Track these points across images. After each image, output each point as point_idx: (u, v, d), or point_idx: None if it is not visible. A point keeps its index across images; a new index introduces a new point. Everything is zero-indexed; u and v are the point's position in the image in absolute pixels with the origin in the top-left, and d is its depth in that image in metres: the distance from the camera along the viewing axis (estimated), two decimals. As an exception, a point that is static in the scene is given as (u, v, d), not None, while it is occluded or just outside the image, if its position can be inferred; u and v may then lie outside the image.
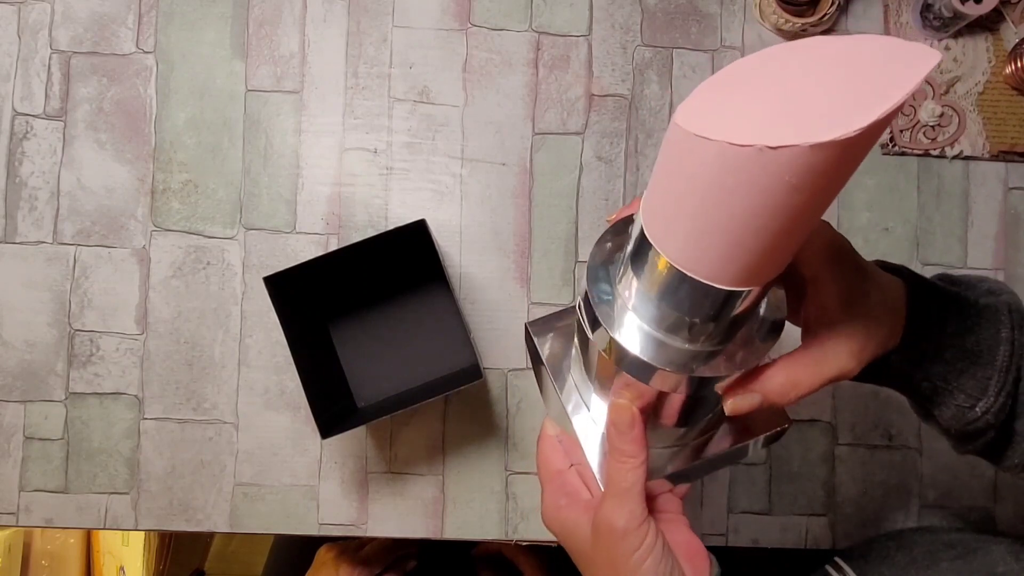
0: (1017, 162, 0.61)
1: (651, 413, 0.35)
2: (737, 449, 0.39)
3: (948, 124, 0.60)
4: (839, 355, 0.33)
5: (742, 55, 0.61)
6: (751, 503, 0.59)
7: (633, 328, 0.31)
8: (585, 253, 0.60)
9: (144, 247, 0.59)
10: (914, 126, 0.60)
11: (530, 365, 0.59)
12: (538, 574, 0.71)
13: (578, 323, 0.36)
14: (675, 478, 0.39)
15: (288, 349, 0.49)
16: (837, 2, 0.58)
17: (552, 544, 0.60)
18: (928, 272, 0.60)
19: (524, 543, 0.60)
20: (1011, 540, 0.46)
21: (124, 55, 0.59)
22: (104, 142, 0.59)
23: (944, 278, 0.41)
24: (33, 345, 0.58)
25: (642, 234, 0.28)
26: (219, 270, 0.59)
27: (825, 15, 0.58)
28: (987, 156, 0.60)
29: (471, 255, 0.59)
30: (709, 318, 0.29)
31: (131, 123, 0.59)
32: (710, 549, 0.38)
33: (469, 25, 0.60)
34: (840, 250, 0.34)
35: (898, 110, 0.21)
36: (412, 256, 0.55)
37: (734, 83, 0.25)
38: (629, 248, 0.30)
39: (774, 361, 0.33)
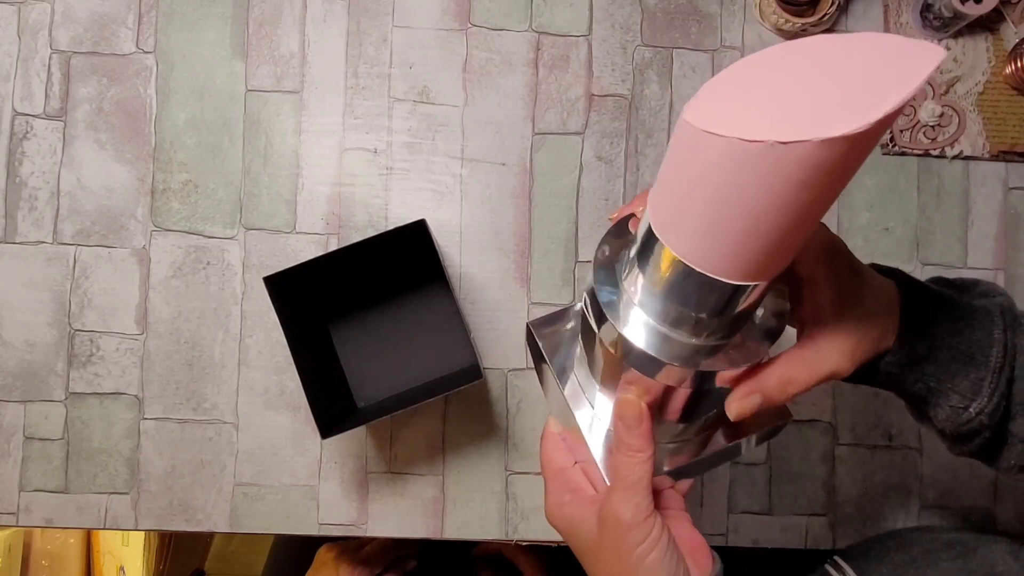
0: (1017, 162, 0.61)
1: (655, 409, 0.35)
2: (736, 445, 0.39)
3: (948, 124, 0.60)
4: (833, 353, 0.34)
5: (742, 55, 0.61)
6: (751, 503, 0.59)
7: (639, 323, 0.31)
8: (585, 253, 0.60)
9: (144, 247, 0.59)
10: (914, 126, 0.60)
11: (531, 364, 0.59)
12: (538, 574, 0.71)
13: (582, 320, 0.36)
14: (676, 474, 0.39)
15: (288, 349, 0.49)
16: (837, 2, 0.58)
17: (552, 544, 0.60)
18: (928, 272, 0.60)
19: (524, 543, 0.60)
20: (1010, 540, 0.46)
21: (124, 55, 0.59)
22: (104, 142, 0.59)
23: (939, 281, 0.41)
24: (33, 345, 0.58)
25: (650, 230, 0.28)
26: (219, 270, 0.59)
27: (825, 15, 0.58)
28: (987, 156, 0.60)
29: (471, 255, 0.59)
30: (715, 313, 0.29)
31: (131, 123, 0.59)
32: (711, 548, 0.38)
33: (469, 25, 0.60)
34: (835, 251, 0.35)
35: (905, 105, 0.21)
36: (412, 256, 0.55)
37: (742, 81, 0.25)
38: (636, 244, 0.31)
39: (771, 360, 0.34)
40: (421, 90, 0.60)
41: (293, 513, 0.58)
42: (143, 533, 1.18)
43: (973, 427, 0.36)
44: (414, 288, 0.58)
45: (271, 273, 0.48)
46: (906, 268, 0.60)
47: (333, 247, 0.59)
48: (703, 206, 0.25)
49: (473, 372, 0.52)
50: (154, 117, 0.59)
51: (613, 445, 0.36)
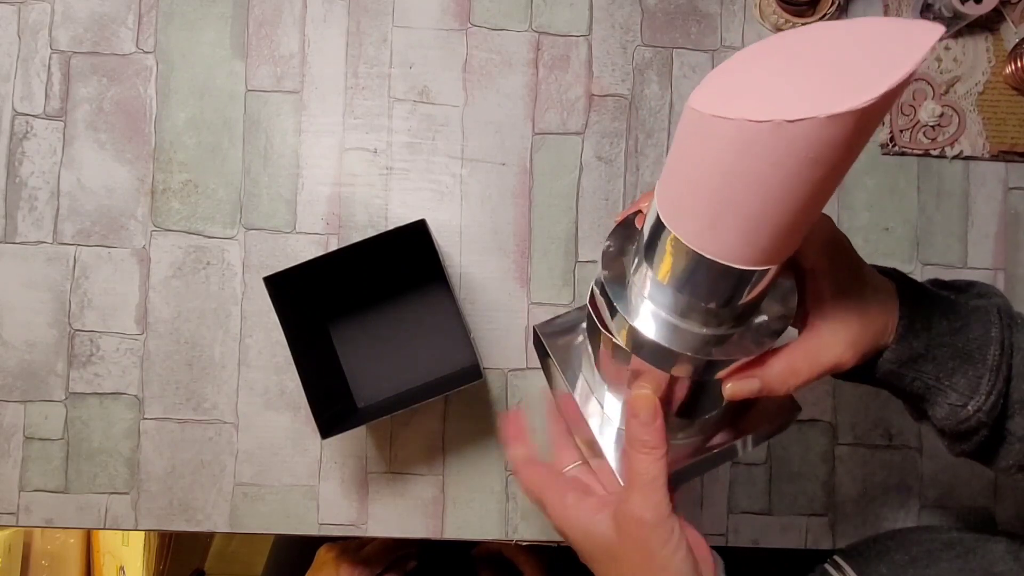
0: (1017, 162, 0.61)
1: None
2: (732, 446, 0.39)
3: (948, 124, 0.60)
4: (836, 345, 0.34)
5: (742, 55, 0.60)
6: (751, 503, 0.59)
7: (649, 315, 0.32)
8: (585, 253, 0.60)
9: (144, 247, 0.59)
10: (914, 126, 0.60)
11: (531, 364, 0.59)
12: (538, 574, 0.71)
13: (589, 320, 0.36)
14: (676, 476, 0.39)
15: (288, 349, 0.49)
16: (837, 2, 0.58)
17: (552, 544, 0.60)
18: (928, 272, 0.60)
19: (524, 543, 0.60)
20: (1010, 540, 0.46)
21: (124, 55, 0.59)
22: (104, 142, 0.59)
23: (935, 283, 0.42)
24: (33, 345, 0.58)
25: (658, 222, 0.28)
26: (219, 270, 0.59)
27: (825, 15, 0.58)
28: (987, 156, 0.60)
29: (471, 255, 0.59)
30: (724, 301, 0.29)
31: (131, 123, 0.59)
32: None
33: (469, 25, 0.60)
34: (838, 245, 0.35)
35: (909, 79, 0.21)
36: (412, 256, 0.55)
37: (746, 68, 0.25)
38: (644, 237, 0.31)
39: (774, 351, 0.34)
40: (421, 90, 0.60)
41: (293, 513, 0.58)
42: (143, 533, 1.18)
43: (971, 425, 0.37)
44: (414, 288, 0.58)
45: (271, 273, 0.48)
46: (906, 268, 0.60)
47: (333, 247, 0.59)
48: (712, 192, 0.25)
49: (473, 372, 0.52)
50: (154, 117, 0.59)
51: (626, 444, 0.36)
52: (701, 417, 0.38)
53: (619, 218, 0.37)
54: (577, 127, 0.60)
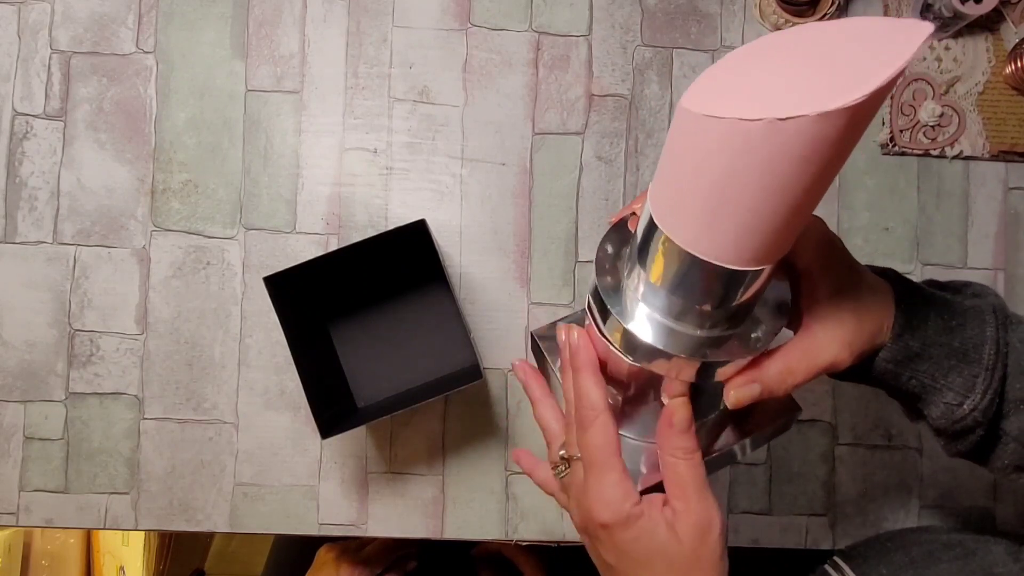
0: (1017, 162, 0.61)
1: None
2: (731, 451, 0.39)
3: (948, 124, 0.60)
4: (831, 344, 0.34)
5: (742, 55, 0.60)
6: (751, 503, 0.59)
7: (643, 318, 0.32)
8: (585, 253, 0.60)
9: (144, 247, 0.59)
10: (914, 126, 0.60)
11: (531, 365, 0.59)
12: (538, 574, 0.71)
13: (587, 323, 0.36)
14: None
15: (288, 349, 0.49)
16: (837, 2, 0.58)
17: (552, 544, 0.60)
18: (928, 272, 0.60)
19: (524, 543, 0.60)
20: (1010, 541, 0.46)
21: (124, 55, 0.59)
22: (104, 142, 0.59)
23: (930, 283, 0.42)
24: (33, 345, 0.58)
25: (651, 223, 0.28)
26: (219, 270, 0.59)
27: (825, 15, 0.58)
28: (987, 156, 0.60)
29: (471, 255, 0.59)
30: (718, 302, 0.29)
31: (131, 123, 0.59)
32: None
33: (469, 25, 0.60)
34: (831, 246, 0.35)
35: (899, 77, 0.21)
36: (412, 256, 0.55)
37: (738, 68, 0.25)
38: (637, 240, 0.31)
39: (770, 352, 0.34)
40: (421, 90, 0.60)
41: (293, 513, 0.58)
42: (143, 533, 1.18)
43: (967, 424, 0.37)
44: (414, 288, 0.58)
45: (271, 273, 0.48)
46: (906, 268, 0.60)
47: (333, 247, 0.59)
48: (705, 192, 0.25)
49: (473, 372, 0.52)
50: (154, 117, 0.59)
51: (664, 453, 0.35)
52: (699, 420, 0.38)
53: (613, 220, 0.37)
54: (577, 127, 0.60)
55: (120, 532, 1.17)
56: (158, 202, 0.59)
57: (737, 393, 0.33)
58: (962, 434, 0.38)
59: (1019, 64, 0.58)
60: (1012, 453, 0.38)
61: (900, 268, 0.60)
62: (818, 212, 0.61)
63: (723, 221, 0.26)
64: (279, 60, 0.60)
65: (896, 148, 0.60)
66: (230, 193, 0.59)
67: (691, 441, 0.34)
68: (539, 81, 0.60)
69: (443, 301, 0.58)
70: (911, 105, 0.60)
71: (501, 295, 0.59)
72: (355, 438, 0.59)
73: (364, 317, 0.58)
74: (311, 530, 0.58)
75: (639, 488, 0.36)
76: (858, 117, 0.22)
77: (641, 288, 0.32)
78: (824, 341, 0.34)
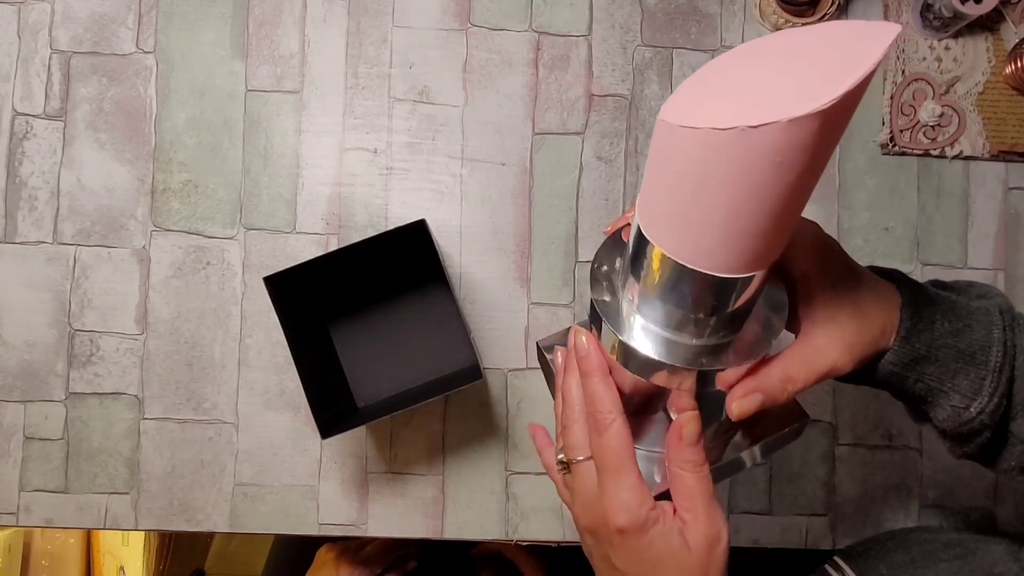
0: (1017, 162, 0.61)
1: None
2: (738, 459, 0.39)
3: (948, 124, 0.60)
4: (830, 349, 0.34)
5: (742, 55, 0.60)
6: (751, 503, 0.59)
7: (639, 329, 0.32)
8: (585, 253, 0.60)
9: (144, 247, 0.59)
10: (914, 126, 0.60)
11: (531, 365, 0.59)
12: (538, 574, 0.71)
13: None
14: None
15: (288, 349, 0.49)
16: (837, 2, 0.58)
17: (552, 544, 0.60)
18: (928, 272, 0.60)
19: (524, 543, 0.60)
20: (1010, 540, 0.46)
21: (124, 55, 0.59)
22: (104, 142, 0.59)
23: (935, 284, 0.41)
24: (33, 345, 0.58)
25: (640, 234, 0.29)
26: (219, 270, 0.59)
27: (825, 15, 0.58)
28: (987, 156, 0.60)
29: (471, 255, 0.59)
30: (711, 311, 0.29)
31: (131, 123, 0.59)
32: None
33: (469, 25, 0.60)
34: (828, 249, 0.35)
35: (868, 80, 0.21)
36: (412, 256, 0.55)
37: (715, 77, 0.25)
38: (629, 251, 0.31)
39: (770, 359, 0.34)
40: (421, 90, 0.60)
41: (293, 513, 0.58)
42: (143, 533, 1.18)
43: (974, 427, 0.36)
44: (414, 288, 0.58)
45: (271, 273, 0.48)
46: (906, 268, 0.60)
47: (333, 247, 0.59)
48: (687, 201, 0.25)
49: (473, 372, 0.52)
50: (154, 117, 0.59)
51: (673, 465, 0.35)
52: (705, 427, 0.38)
53: (608, 230, 0.37)
54: (577, 127, 0.60)
55: (120, 532, 1.17)
56: (158, 202, 0.59)
57: (740, 405, 0.33)
58: (969, 437, 0.38)
59: (1019, 64, 0.58)
60: (1020, 455, 0.37)
61: (900, 268, 0.60)
62: (818, 212, 0.61)
63: (706, 229, 0.26)
64: (279, 60, 0.60)
65: (896, 148, 0.60)
66: (230, 193, 0.59)
67: (699, 454, 0.34)
68: (539, 81, 0.60)
69: (443, 301, 0.58)
70: (911, 105, 0.60)
71: (501, 295, 0.59)
72: (355, 438, 0.59)
73: (364, 317, 0.58)
74: (311, 530, 0.58)
75: None
76: (830, 121, 0.22)
77: (636, 299, 0.32)
78: (823, 346, 0.34)
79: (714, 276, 0.27)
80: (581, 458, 0.36)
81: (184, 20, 0.59)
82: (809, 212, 0.60)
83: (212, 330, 0.58)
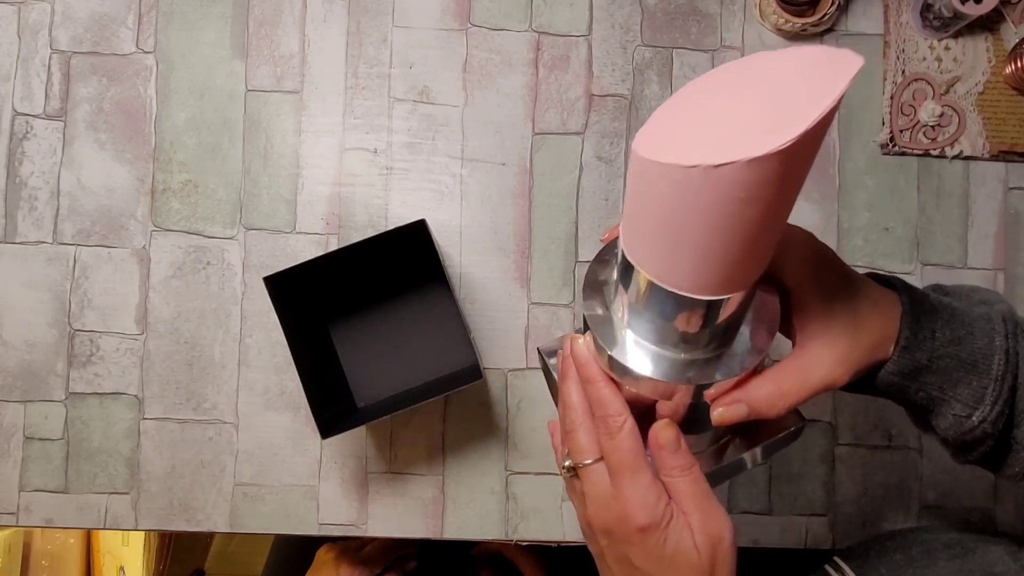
0: (1017, 162, 0.61)
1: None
2: (740, 460, 0.39)
3: (948, 124, 0.60)
4: (824, 364, 0.34)
5: (742, 55, 0.60)
6: (751, 503, 0.59)
7: (629, 343, 0.32)
8: (585, 253, 0.60)
9: (144, 247, 0.59)
10: (914, 126, 0.60)
11: (531, 365, 0.59)
12: (538, 574, 0.71)
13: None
14: None
15: (288, 349, 0.49)
16: (837, 2, 0.58)
17: (552, 544, 0.60)
18: (928, 272, 0.60)
19: (524, 543, 0.60)
20: (1009, 540, 0.46)
21: (124, 55, 0.59)
22: (104, 142, 0.59)
23: (937, 288, 0.41)
24: (33, 345, 0.58)
25: (623, 254, 0.29)
26: (219, 270, 0.59)
27: (825, 15, 0.58)
28: (987, 156, 0.60)
29: (471, 255, 0.59)
30: (697, 327, 0.30)
31: (131, 123, 0.59)
32: None
33: (469, 25, 0.60)
34: (822, 260, 0.35)
35: (830, 116, 0.22)
36: (412, 256, 0.55)
37: (686, 106, 0.26)
38: (618, 263, 0.31)
39: (763, 371, 0.34)
40: (421, 90, 0.60)
41: (293, 513, 0.58)
42: (143, 533, 1.18)
43: (976, 435, 0.36)
44: (414, 288, 0.58)
45: (271, 273, 0.48)
46: (906, 268, 0.60)
47: (333, 247, 0.59)
48: (661, 228, 0.26)
49: (473, 372, 0.52)
50: (154, 117, 0.59)
51: (663, 475, 0.35)
52: (702, 433, 0.38)
53: (604, 238, 0.37)
54: (577, 127, 0.60)
55: (120, 532, 1.17)
56: (158, 202, 0.59)
57: (723, 412, 0.33)
58: (972, 445, 0.37)
59: (1019, 64, 0.58)
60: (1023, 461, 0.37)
61: (900, 268, 0.60)
62: (818, 212, 0.61)
63: (680, 255, 0.26)
64: (279, 60, 0.60)
65: (896, 148, 0.60)
66: (230, 193, 0.59)
67: (684, 458, 0.34)
68: (539, 81, 0.60)
69: (443, 301, 0.58)
70: (911, 105, 0.60)
71: (501, 295, 0.59)
72: (355, 438, 0.59)
73: (364, 317, 0.58)
74: (311, 530, 0.58)
75: None
76: (791, 159, 0.22)
77: (625, 313, 0.32)
78: (817, 360, 0.34)
79: (692, 298, 0.27)
80: (589, 461, 0.36)
81: (184, 20, 0.59)
82: (809, 212, 0.60)
83: (212, 330, 0.58)
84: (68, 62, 0.59)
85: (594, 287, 0.34)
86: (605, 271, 0.35)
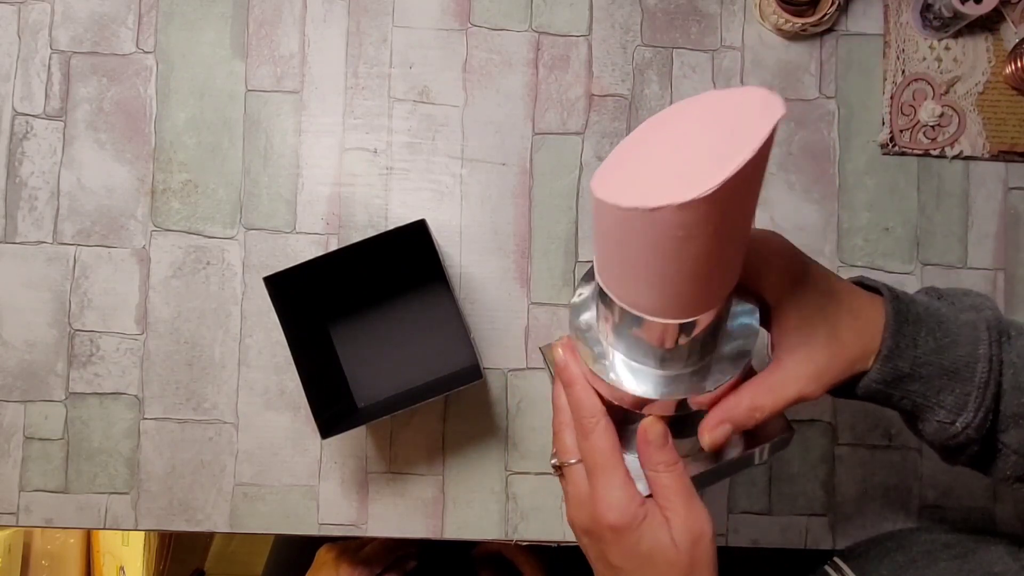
0: (1017, 162, 0.61)
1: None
2: (749, 455, 0.39)
3: (948, 124, 0.60)
4: (798, 379, 0.34)
5: (742, 55, 0.61)
6: (751, 503, 0.59)
7: (610, 357, 0.34)
8: (585, 253, 0.60)
9: (144, 247, 0.59)
10: (914, 126, 0.60)
11: (531, 365, 0.59)
12: (538, 574, 0.71)
13: None
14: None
15: (288, 349, 0.49)
16: (837, 2, 0.58)
17: (552, 544, 0.60)
18: (928, 272, 0.60)
19: (524, 543, 0.60)
20: (1009, 540, 0.46)
21: (124, 55, 0.59)
22: (104, 142, 0.59)
23: (931, 291, 0.41)
24: (33, 345, 0.58)
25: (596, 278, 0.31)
26: (219, 270, 0.59)
27: (825, 15, 0.58)
28: (987, 156, 0.60)
29: (471, 255, 0.59)
30: (670, 346, 0.31)
31: (131, 123, 0.59)
32: None
33: (469, 25, 0.60)
34: (802, 274, 0.35)
35: (757, 159, 0.23)
36: (412, 256, 0.55)
37: (638, 145, 0.28)
38: (595, 287, 0.33)
39: (740, 387, 0.35)
40: (421, 90, 0.60)
41: (293, 513, 0.58)
42: (143, 533, 1.18)
43: (960, 441, 0.37)
44: (414, 288, 0.58)
45: (271, 273, 0.48)
46: (906, 268, 0.60)
47: (333, 247, 0.59)
48: (618, 259, 0.28)
49: (473, 372, 0.52)
50: (154, 117, 0.59)
51: (648, 470, 0.36)
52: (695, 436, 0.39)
53: None
54: (577, 127, 0.60)
55: (120, 532, 1.17)
56: (158, 202, 0.59)
57: (711, 436, 0.34)
58: (958, 449, 0.38)
59: (1019, 64, 0.58)
60: (1014, 465, 0.38)
61: (900, 268, 0.60)
62: (818, 213, 0.61)
63: (636, 283, 0.28)
64: (279, 60, 0.60)
65: (896, 148, 0.60)
66: (230, 193, 0.59)
67: (669, 454, 0.35)
68: (539, 81, 0.60)
69: (443, 301, 0.58)
70: (911, 105, 0.60)
71: (501, 295, 0.59)
72: (355, 438, 0.59)
73: (364, 317, 0.58)
74: (311, 530, 0.58)
75: None
76: (720, 200, 0.23)
77: (607, 332, 0.33)
78: (791, 376, 0.34)
79: (658, 321, 0.29)
80: (573, 461, 0.37)
81: (184, 20, 0.59)
82: (809, 212, 0.60)
83: (212, 330, 0.58)
84: (68, 62, 0.59)
85: (580, 304, 0.36)
86: (590, 287, 0.36)
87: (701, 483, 0.39)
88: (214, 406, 0.58)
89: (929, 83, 0.60)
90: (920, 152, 0.60)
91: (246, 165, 0.59)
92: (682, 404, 0.34)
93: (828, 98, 0.61)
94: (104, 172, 0.59)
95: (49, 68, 0.59)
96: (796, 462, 0.60)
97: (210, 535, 1.34)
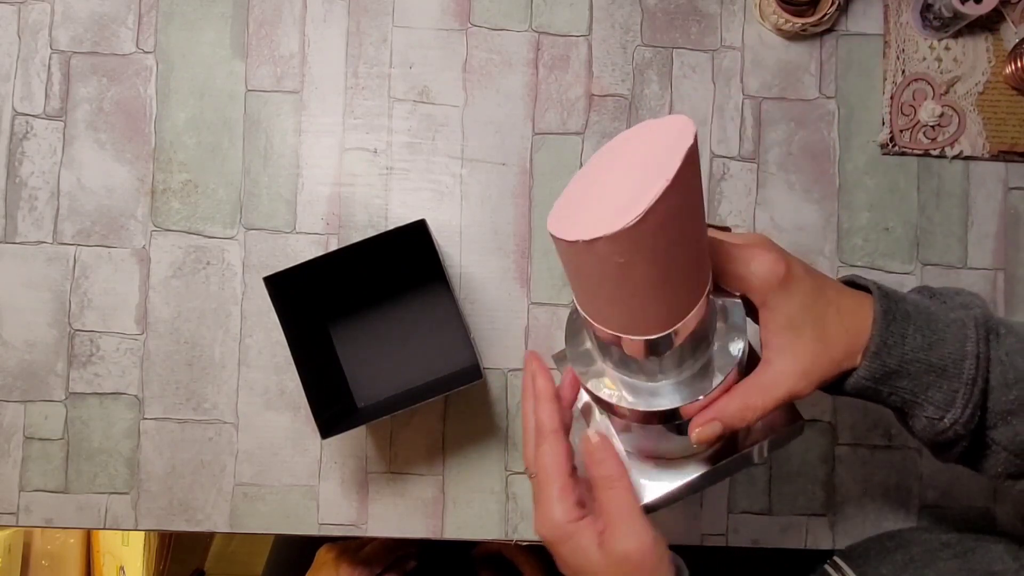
0: (1017, 162, 0.61)
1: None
2: (747, 453, 0.39)
3: (948, 124, 0.60)
4: (787, 378, 0.35)
5: (742, 55, 0.61)
6: (751, 503, 0.59)
7: (601, 372, 0.35)
8: (585, 253, 0.60)
9: (144, 247, 0.59)
10: (914, 126, 0.60)
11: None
12: (538, 574, 0.71)
13: None
14: (694, 487, 0.40)
15: (288, 349, 0.49)
16: (837, 2, 0.58)
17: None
18: (928, 272, 0.60)
19: (524, 543, 0.60)
20: (1009, 539, 0.46)
21: (124, 55, 0.59)
22: (104, 142, 0.59)
23: (924, 290, 0.42)
24: (33, 345, 0.58)
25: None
26: (219, 270, 0.59)
27: (825, 15, 0.58)
28: (987, 156, 0.60)
29: (471, 255, 0.59)
30: (655, 358, 0.32)
31: (131, 123, 0.59)
32: (677, 549, 0.38)
33: (469, 25, 0.60)
34: (788, 277, 0.35)
35: (672, 190, 0.25)
36: (412, 256, 0.55)
37: (584, 181, 0.30)
38: None
39: (732, 387, 0.35)
40: (421, 90, 0.60)
41: (293, 513, 0.58)
42: (143, 533, 1.18)
43: (949, 437, 0.37)
44: (414, 288, 0.58)
45: (271, 273, 0.48)
46: (906, 268, 0.60)
47: (333, 247, 0.59)
48: (578, 285, 0.31)
49: (473, 372, 0.52)
50: (154, 117, 0.59)
51: (593, 484, 0.37)
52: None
53: None
54: (577, 127, 0.60)
55: (120, 532, 1.17)
56: (158, 202, 0.59)
57: (700, 432, 0.35)
58: (947, 445, 0.38)
59: (1019, 64, 0.58)
60: (1004, 462, 0.38)
61: (900, 268, 0.60)
62: (818, 213, 0.61)
63: (596, 304, 0.30)
64: (279, 60, 0.60)
65: (896, 148, 0.60)
66: (230, 193, 0.59)
67: (609, 470, 0.36)
68: (539, 81, 0.60)
69: (443, 301, 0.58)
70: (911, 105, 0.60)
71: (501, 295, 0.59)
72: (355, 438, 0.59)
73: (364, 317, 0.58)
74: (311, 530, 0.58)
75: (642, 503, 0.38)
76: (647, 230, 0.25)
77: (595, 347, 0.35)
78: (780, 375, 0.35)
79: (632, 338, 0.30)
80: (532, 473, 0.40)
81: (184, 20, 0.59)
82: (809, 212, 0.60)
83: (212, 330, 0.58)
84: (68, 62, 0.59)
85: (574, 319, 0.38)
86: None
87: (701, 483, 0.39)
88: (214, 406, 0.58)
89: (929, 83, 0.60)
90: (920, 152, 0.60)
91: (246, 165, 0.59)
92: (671, 415, 0.34)
93: (828, 98, 0.61)
94: (104, 172, 0.59)
95: (49, 68, 0.59)
96: (796, 462, 0.60)
97: (210, 535, 1.34)
